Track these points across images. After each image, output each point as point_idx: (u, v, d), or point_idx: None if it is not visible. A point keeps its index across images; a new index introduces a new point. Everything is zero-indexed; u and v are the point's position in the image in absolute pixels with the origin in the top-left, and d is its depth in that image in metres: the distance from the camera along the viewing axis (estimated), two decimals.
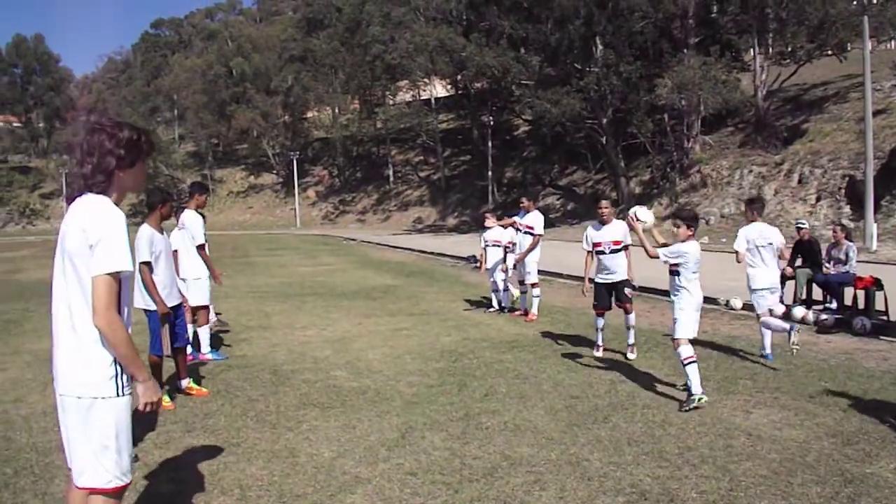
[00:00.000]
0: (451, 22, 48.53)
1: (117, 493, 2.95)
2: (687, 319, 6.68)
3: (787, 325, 7.94)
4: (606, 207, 8.87)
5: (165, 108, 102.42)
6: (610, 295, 8.79)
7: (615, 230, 8.77)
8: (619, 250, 8.70)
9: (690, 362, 6.43)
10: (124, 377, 2.91)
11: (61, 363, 2.91)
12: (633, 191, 41.24)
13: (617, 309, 8.90)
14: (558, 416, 6.15)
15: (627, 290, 8.69)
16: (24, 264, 27.38)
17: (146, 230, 6.66)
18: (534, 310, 11.77)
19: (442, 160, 64.44)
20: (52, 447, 5.42)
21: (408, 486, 4.66)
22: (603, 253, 8.75)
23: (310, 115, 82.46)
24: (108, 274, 2.76)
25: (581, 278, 9.47)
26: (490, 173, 54.41)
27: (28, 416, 6.42)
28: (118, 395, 2.88)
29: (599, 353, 8.80)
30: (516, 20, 41.28)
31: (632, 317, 8.73)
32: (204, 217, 8.92)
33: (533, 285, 11.83)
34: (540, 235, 11.69)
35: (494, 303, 12.81)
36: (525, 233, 11.72)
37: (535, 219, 11.70)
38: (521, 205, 12.01)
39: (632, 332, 8.74)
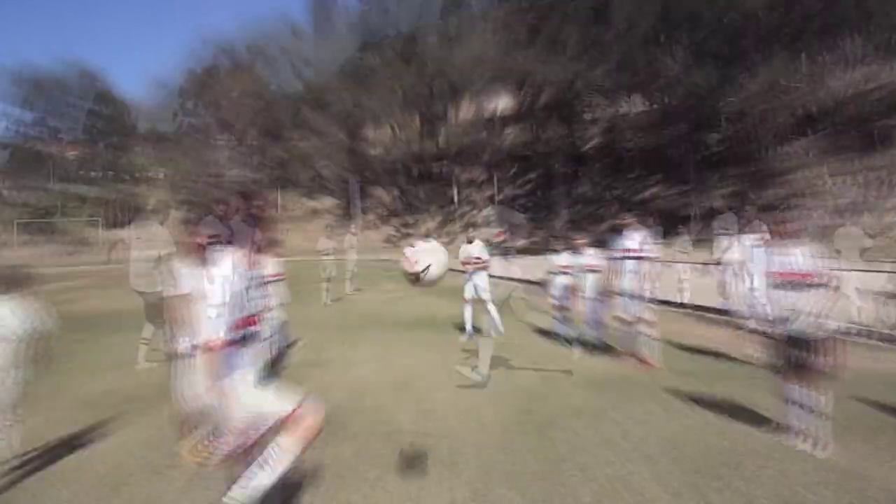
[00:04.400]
0: (512, 33, 47.22)
1: None
2: None
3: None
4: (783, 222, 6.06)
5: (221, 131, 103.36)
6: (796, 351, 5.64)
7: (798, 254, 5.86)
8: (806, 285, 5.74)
9: None
10: None
11: None
12: (712, 204, 39.05)
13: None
14: (657, 471, 5.12)
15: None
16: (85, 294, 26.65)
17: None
18: (656, 354, 8.99)
19: (508, 177, 62.96)
20: None
21: None
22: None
23: (369, 134, 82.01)
24: None
25: None
26: (559, 190, 52.62)
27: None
28: None
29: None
30: (580, 29, 39.79)
31: (822, 398, 5.59)
32: None
33: (649, 324, 9.02)
34: (658, 258, 9.08)
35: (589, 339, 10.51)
36: (630, 257, 9.04)
37: (643, 237, 9.05)
38: (623, 222, 9.25)
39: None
